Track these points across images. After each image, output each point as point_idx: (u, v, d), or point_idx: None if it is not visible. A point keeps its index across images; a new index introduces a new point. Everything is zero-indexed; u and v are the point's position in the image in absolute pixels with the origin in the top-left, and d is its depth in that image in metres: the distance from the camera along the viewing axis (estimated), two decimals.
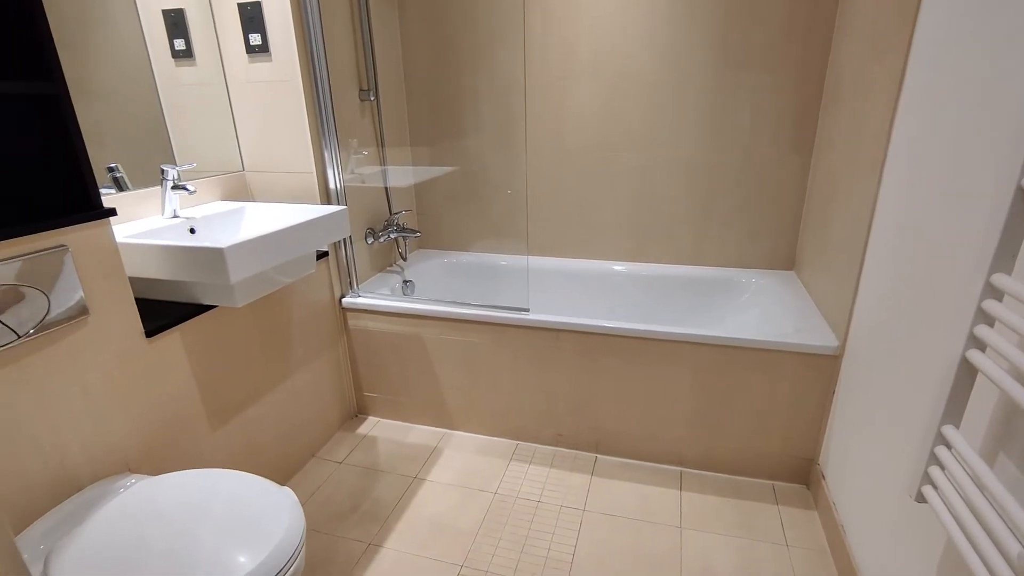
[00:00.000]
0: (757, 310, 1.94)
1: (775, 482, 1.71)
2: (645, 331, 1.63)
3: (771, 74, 1.86)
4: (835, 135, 1.67)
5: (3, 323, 0.95)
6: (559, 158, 2.19)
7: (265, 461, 1.67)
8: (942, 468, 0.82)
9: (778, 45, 1.82)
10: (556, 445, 1.91)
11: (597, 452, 1.86)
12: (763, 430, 1.66)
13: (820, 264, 1.73)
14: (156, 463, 1.29)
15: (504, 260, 2.38)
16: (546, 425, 1.89)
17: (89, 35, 1.36)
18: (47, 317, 1.02)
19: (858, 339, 1.39)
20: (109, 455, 1.17)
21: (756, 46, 1.84)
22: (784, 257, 2.08)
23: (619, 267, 2.24)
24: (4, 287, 0.94)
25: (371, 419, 2.11)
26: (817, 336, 1.54)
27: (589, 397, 1.79)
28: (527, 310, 1.77)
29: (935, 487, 0.83)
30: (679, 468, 1.79)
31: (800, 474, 1.68)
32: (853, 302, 1.42)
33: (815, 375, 1.55)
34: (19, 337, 0.98)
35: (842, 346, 1.48)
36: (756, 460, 1.70)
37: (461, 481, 1.76)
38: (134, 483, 1.12)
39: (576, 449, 1.89)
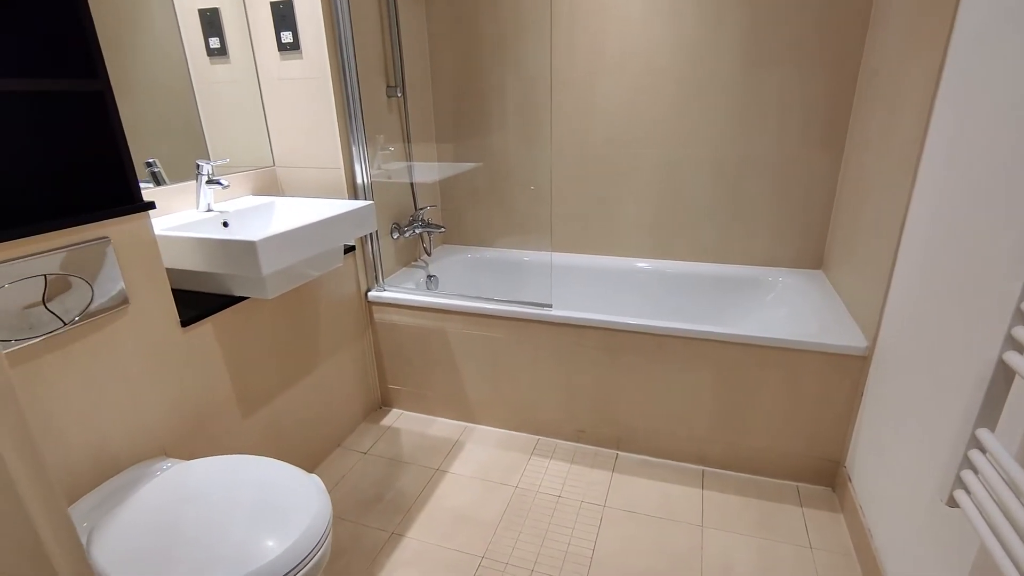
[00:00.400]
0: (783, 309, 1.91)
1: (799, 483, 1.69)
2: (668, 328, 1.62)
3: (801, 69, 1.82)
4: (868, 132, 1.63)
5: (51, 311, 0.99)
6: (583, 154, 2.18)
7: (292, 449, 1.71)
8: (975, 472, 0.80)
9: (809, 40, 1.79)
10: (577, 441, 1.91)
11: (618, 449, 1.86)
12: (788, 431, 1.64)
13: (850, 263, 1.70)
14: (189, 448, 1.33)
15: (527, 256, 2.39)
16: (567, 421, 1.89)
17: (128, 33, 1.41)
18: (90, 306, 1.06)
19: (888, 340, 1.36)
20: (146, 439, 1.21)
21: (786, 41, 1.81)
22: (812, 256, 2.04)
23: (642, 264, 2.23)
24: (53, 276, 0.98)
25: (395, 411, 2.14)
26: (845, 336, 1.51)
27: (611, 394, 1.79)
28: (550, 306, 1.77)
29: (968, 491, 0.81)
30: (701, 467, 1.78)
31: (825, 476, 1.65)
32: (884, 302, 1.39)
33: (843, 376, 1.52)
34: (65, 324, 1.02)
35: (871, 347, 1.46)
36: (780, 461, 1.68)
37: (482, 474, 1.77)
38: (170, 467, 1.16)
39: (597, 445, 1.89)
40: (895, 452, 1.25)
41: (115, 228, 1.09)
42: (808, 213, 1.99)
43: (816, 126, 1.87)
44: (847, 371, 1.51)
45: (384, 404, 2.17)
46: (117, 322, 1.12)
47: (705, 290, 2.14)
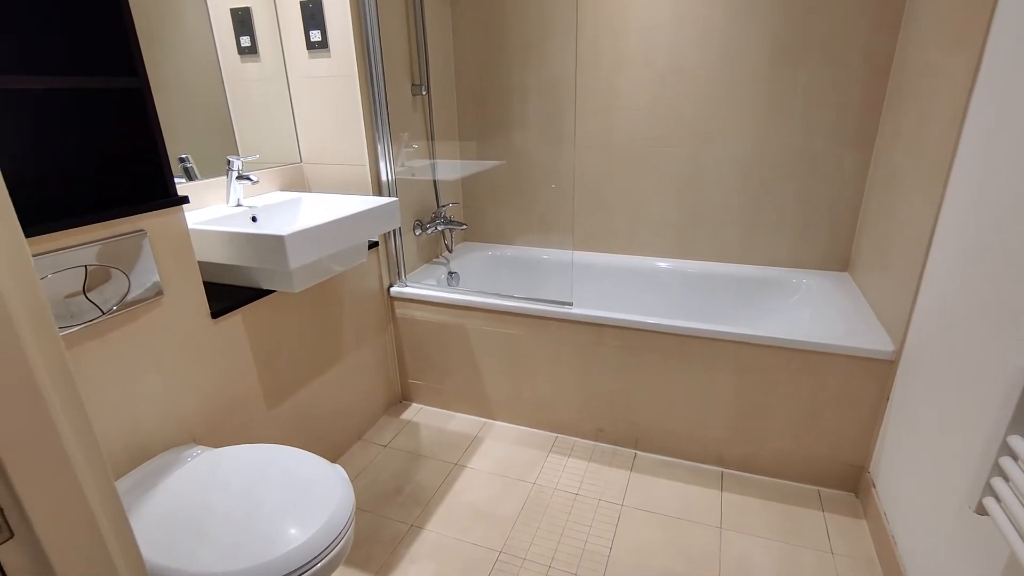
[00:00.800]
0: (808, 311, 1.89)
1: (821, 488, 1.66)
2: (690, 328, 1.61)
3: (831, 67, 1.79)
4: (900, 131, 1.60)
5: (91, 300, 1.03)
6: (606, 153, 2.18)
7: (315, 441, 1.74)
8: (1006, 479, 0.79)
9: (840, 37, 1.76)
10: (595, 440, 1.91)
11: (636, 448, 1.86)
12: (810, 434, 1.61)
13: (877, 265, 1.67)
14: (217, 436, 1.37)
15: (547, 254, 2.39)
16: (586, 419, 1.89)
17: (163, 32, 1.45)
18: (127, 296, 1.10)
19: (916, 344, 1.33)
20: (177, 426, 1.25)
21: (816, 38, 1.78)
22: (838, 258, 2.01)
23: (663, 264, 2.22)
24: (93, 267, 1.02)
25: (414, 405, 2.17)
26: (872, 339, 1.48)
27: (630, 393, 1.79)
28: (570, 304, 1.78)
29: (998, 499, 0.80)
30: (720, 468, 1.77)
31: (849, 481, 1.63)
32: (912, 305, 1.37)
33: (868, 379, 1.50)
34: (103, 313, 1.06)
35: (899, 351, 1.43)
36: (802, 465, 1.66)
37: (501, 470, 1.79)
38: (199, 454, 1.20)
39: (615, 444, 1.89)
40: (922, 458, 1.23)
41: (151, 221, 1.12)
42: (835, 214, 1.95)
43: (845, 125, 1.84)
44: (873, 375, 1.49)
45: (404, 398, 2.19)
46: (152, 312, 1.16)
47: (727, 291, 2.12)
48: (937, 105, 1.33)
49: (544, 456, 1.86)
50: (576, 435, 1.94)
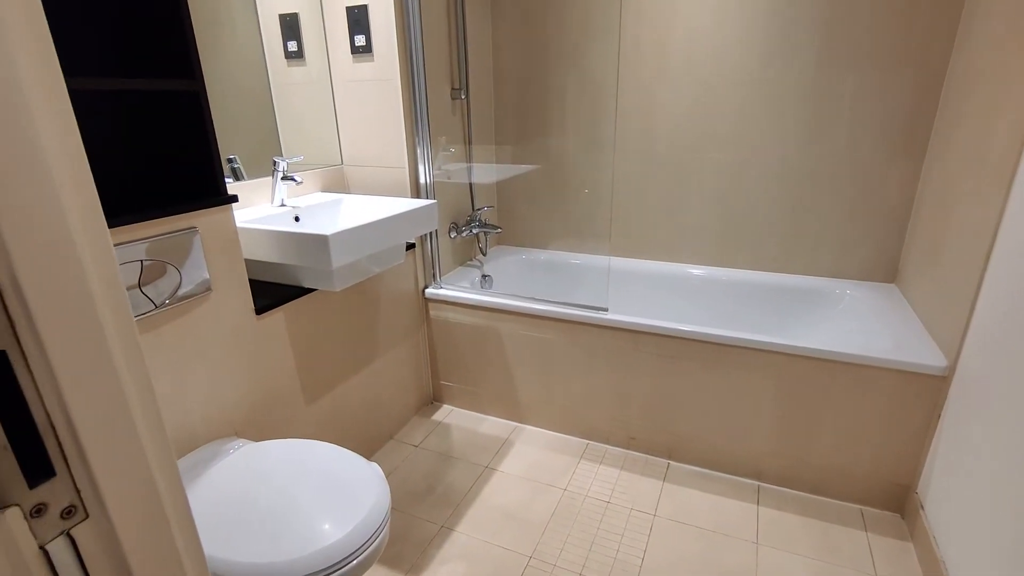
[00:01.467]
0: (853, 323, 1.83)
1: (864, 507, 1.60)
2: (731, 338, 1.58)
3: (881, 71, 1.74)
4: (955, 139, 1.54)
5: (145, 294, 1.07)
6: (646, 158, 2.16)
7: (349, 438, 1.77)
8: None
9: (891, 40, 1.70)
10: (627, 448, 1.89)
11: (670, 458, 1.83)
12: (854, 451, 1.56)
13: (929, 278, 1.61)
14: (257, 430, 1.40)
15: (582, 259, 2.38)
16: (618, 426, 1.87)
17: (214, 36, 1.50)
18: (178, 291, 1.14)
19: (972, 359, 1.28)
20: (221, 419, 1.29)
21: (865, 40, 1.73)
22: (885, 268, 1.94)
23: (698, 271, 2.18)
24: (148, 262, 1.06)
25: (446, 407, 2.18)
26: (922, 354, 1.43)
27: (665, 402, 1.76)
28: (605, 310, 1.76)
29: None
30: (757, 482, 1.72)
31: (894, 501, 1.57)
32: (968, 320, 1.31)
33: (918, 396, 1.44)
34: (156, 307, 1.10)
35: (952, 366, 1.37)
36: (844, 482, 1.61)
37: (531, 475, 1.78)
38: (241, 446, 1.23)
39: (648, 453, 1.86)
40: (977, 480, 1.17)
41: (202, 219, 1.16)
42: (882, 224, 1.89)
43: (895, 132, 1.78)
44: (923, 391, 1.43)
45: (435, 400, 2.21)
46: (200, 307, 1.20)
47: (768, 300, 2.07)
48: (999, 114, 1.28)
49: (575, 462, 1.84)
50: (608, 442, 1.92)
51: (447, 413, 2.14)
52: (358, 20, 1.71)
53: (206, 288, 1.19)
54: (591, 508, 1.64)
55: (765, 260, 2.10)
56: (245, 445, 1.22)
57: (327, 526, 0.98)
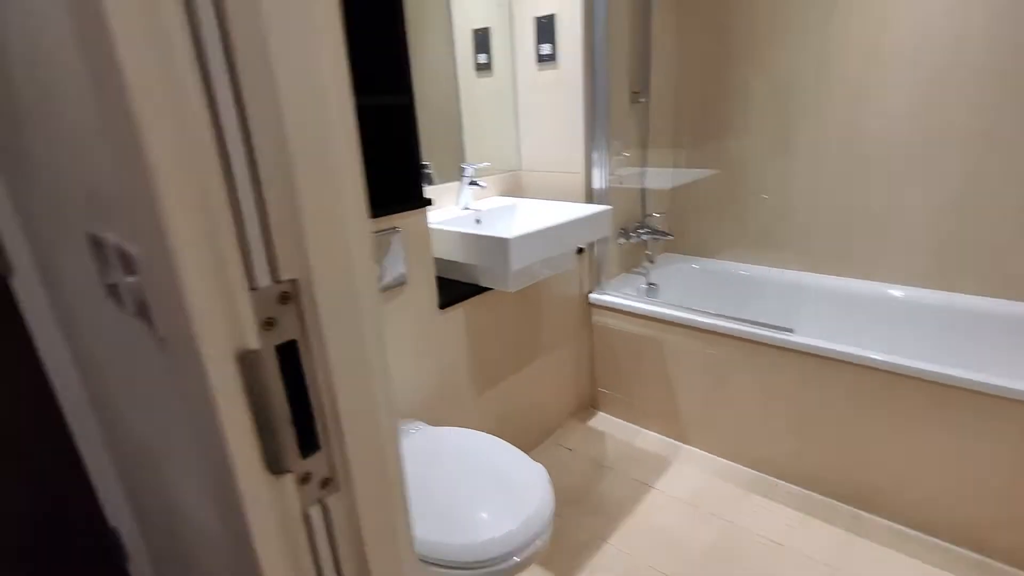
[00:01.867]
0: None
1: None
2: (959, 379, 1.32)
3: None
4: None
5: None
6: (846, 162, 1.90)
7: (510, 433, 1.83)
8: None
9: None
10: (805, 487, 1.68)
11: (858, 507, 1.59)
12: None
13: None
14: (431, 416, 1.51)
15: (756, 271, 2.18)
16: (796, 462, 1.68)
17: (413, 51, 1.64)
18: (380, 283, 1.27)
19: None
20: (405, 403, 1.42)
21: None
22: None
23: (899, 292, 1.86)
24: None
25: (601, 414, 2.15)
26: None
27: (858, 442, 1.53)
28: (791, 331, 1.59)
29: None
30: (979, 555, 1.42)
31: None
32: None
33: None
34: None
35: None
36: None
37: (691, 499, 1.68)
38: (419, 430, 1.33)
39: (830, 497, 1.64)
40: None
41: (404, 220, 1.29)
42: None
43: None
44: None
45: (592, 406, 2.19)
46: (397, 299, 1.33)
47: (1002, 334, 1.70)
48: None
49: (742, 493, 1.69)
50: (781, 477, 1.73)
51: (603, 421, 2.11)
52: (546, 29, 1.75)
53: (402, 282, 1.32)
54: (759, 548, 1.49)
55: (1004, 284, 1.72)
56: (423, 429, 1.33)
57: (496, 520, 1.01)
